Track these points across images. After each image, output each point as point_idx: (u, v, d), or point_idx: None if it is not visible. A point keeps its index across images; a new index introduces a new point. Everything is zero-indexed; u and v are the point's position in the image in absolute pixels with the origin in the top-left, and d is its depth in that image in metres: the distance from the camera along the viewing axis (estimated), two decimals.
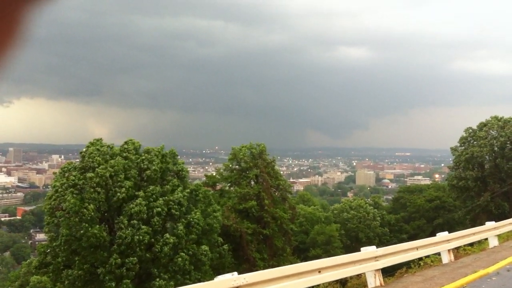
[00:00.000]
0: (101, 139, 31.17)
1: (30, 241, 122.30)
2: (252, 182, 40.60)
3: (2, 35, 0.94)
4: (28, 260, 50.53)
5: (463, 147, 54.33)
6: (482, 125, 53.97)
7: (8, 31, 0.95)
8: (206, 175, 46.94)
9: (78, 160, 30.81)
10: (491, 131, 52.76)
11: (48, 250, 28.47)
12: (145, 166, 29.31)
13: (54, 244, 27.62)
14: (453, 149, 55.41)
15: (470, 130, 54.62)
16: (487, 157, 52.19)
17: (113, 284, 25.49)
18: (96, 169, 27.58)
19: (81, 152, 30.40)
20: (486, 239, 21.30)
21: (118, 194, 27.32)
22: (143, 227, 26.43)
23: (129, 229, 26.47)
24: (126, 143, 31.13)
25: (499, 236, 22.15)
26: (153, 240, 27.22)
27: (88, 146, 30.02)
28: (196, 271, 28.13)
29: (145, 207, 27.05)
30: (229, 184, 41.66)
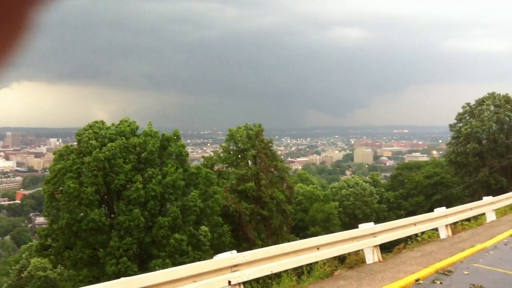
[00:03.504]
0: (101, 121, 31.05)
1: (30, 225, 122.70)
2: (250, 163, 40.65)
3: (8, 26, 0.94)
4: (29, 244, 50.74)
5: (460, 123, 54.51)
6: (480, 102, 54.04)
7: (14, 22, 0.94)
8: (203, 157, 47.00)
9: (75, 143, 30.66)
10: (492, 106, 52.84)
11: (49, 233, 28.53)
12: (142, 148, 29.26)
13: (54, 226, 27.71)
14: (452, 126, 55.60)
15: (468, 107, 54.71)
16: (486, 132, 52.26)
17: (114, 261, 25.75)
18: (93, 152, 27.52)
19: (77, 135, 30.21)
20: (484, 214, 21.42)
21: (116, 180, 27.34)
22: (135, 210, 26.51)
23: (127, 214, 26.64)
24: (121, 121, 30.95)
25: (496, 210, 22.25)
26: (150, 223, 27.42)
27: (85, 129, 29.87)
28: (197, 251, 28.35)
29: (142, 192, 27.09)
30: (227, 165, 41.71)
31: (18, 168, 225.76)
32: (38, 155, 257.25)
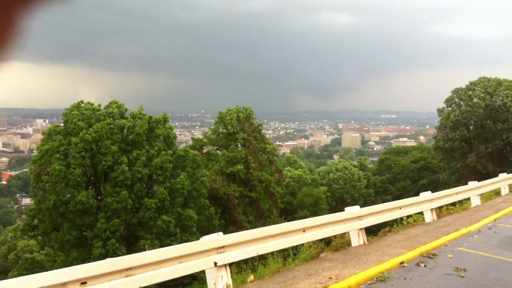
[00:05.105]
0: (88, 102, 30.75)
1: (16, 206, 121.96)
2: (239, 146, 40.67)
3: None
4: (15, 225, 50.48)
5: (449, 108, 54.50)
6: (471, 86, 53.96)
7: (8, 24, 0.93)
8: (193, 138, 46.92)
9: (62, 124, 30.41)
10: (481, 92, 52.59)
11: (36, 213, 28.39)
12: (130, 131, 29.16)
13: (41, 206, 27.58)
14: (440, 110, 55.50)
15: (460, 92, 54.51)
16: (474, 118, 52.21)
17: (101, 243, 25.75)
18: (80, 134, 27.33)
19: (64, 115, 29.92)
20: (469, 198, 21.64)
21: (103, 162, 27.22)
22: (123, 192, 26.48)
23: (114, 195, 26.60)
24: (110, 103, 30.79)
25: (481, 195, 22.50)
26: (138, 205, 27.42)
27: (71, 110, 29.59)
28: (185, 233, 28.43)
29: (128, 174, 27.03)
30: (216, 148, 41.70)
31: (4, 149, 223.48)
32: (24, 136, 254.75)
